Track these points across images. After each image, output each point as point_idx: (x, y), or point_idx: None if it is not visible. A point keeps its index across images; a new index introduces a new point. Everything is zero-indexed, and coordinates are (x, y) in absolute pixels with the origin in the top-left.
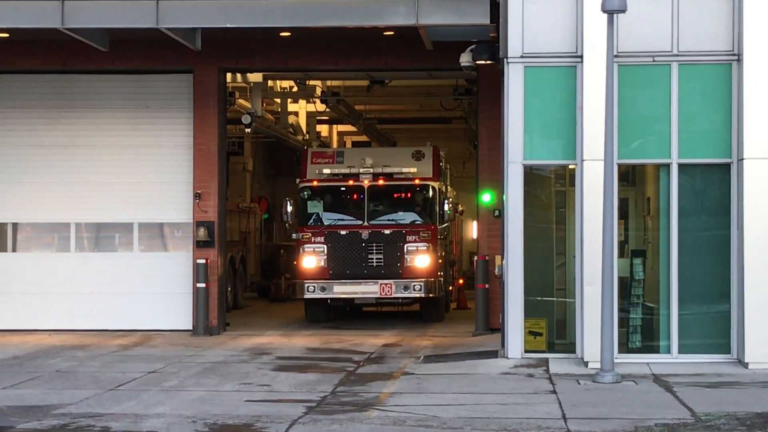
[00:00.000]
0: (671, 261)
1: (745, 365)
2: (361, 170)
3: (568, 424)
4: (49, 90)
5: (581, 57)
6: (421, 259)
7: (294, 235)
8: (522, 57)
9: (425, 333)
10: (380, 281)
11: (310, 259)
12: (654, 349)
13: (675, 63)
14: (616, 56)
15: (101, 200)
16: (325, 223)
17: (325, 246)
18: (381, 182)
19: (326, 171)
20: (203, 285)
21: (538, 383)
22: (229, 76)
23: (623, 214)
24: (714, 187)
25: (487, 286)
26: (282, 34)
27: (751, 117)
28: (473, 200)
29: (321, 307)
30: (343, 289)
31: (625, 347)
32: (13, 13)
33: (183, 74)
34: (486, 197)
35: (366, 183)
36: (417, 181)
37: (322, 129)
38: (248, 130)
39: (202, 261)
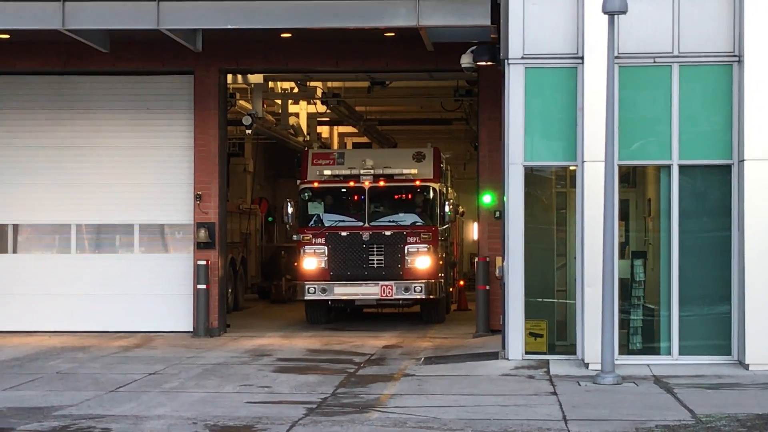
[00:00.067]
0: (672, 262)
1: (746, 367)
2: (362, 171)
3: (569, 426)
4: (49, 91)
5: (582, 58)
6: (421, 260)
7: (294, 237)
8: (523, 58)
9: (426, 334)
10: (381, 283)
11: (311, 261)
12: (654, 351)
13: (676, 64)
14: (616, 57)
15: (102, 201)
16: (326, 225)
17: (326, 247)
18: (382, 183)
19: (327, 172)
20: (204, 286)
21: (538, 385)
22: (229, 77)
23: (624, 216)
24: (715, 188)
25: (487, 287)
26: (283, 35)
27: (752, 118)
28: (474, 201)
29: (321, 309)
30: (343, 291)
31: (625, 349)
32: (14, 15)
33: (183, 75)
34: (487, 198)
35: (367, 184)
36: (418, 183)
37: (323, 130)
38: (249, 131)
39: (203, 262)
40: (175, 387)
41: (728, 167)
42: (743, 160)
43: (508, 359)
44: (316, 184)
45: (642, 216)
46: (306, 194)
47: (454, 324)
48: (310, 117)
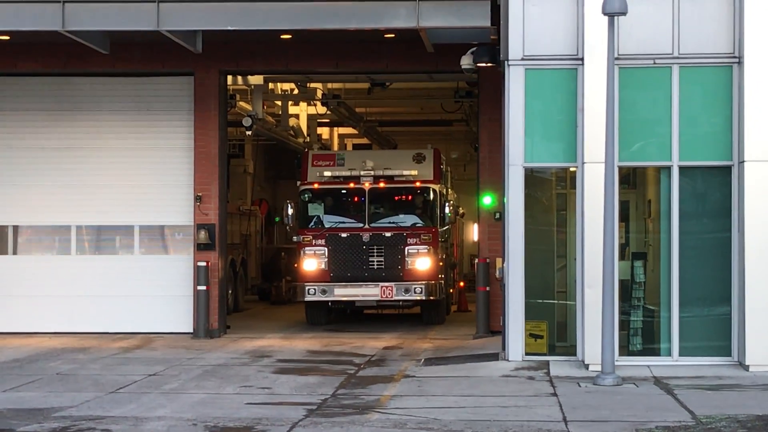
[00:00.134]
0: (672, 263)
1: (746, 368)
2: (362, 173)
3: (569, 427)
4: (49, 92)
5: (582, 59)
6: (421, 261)
7: (295, 238)
8: (523, 59)
9: (426, 336)
10: (381, 284)
11: (311, 262)
12: (655, 352)
13: (676, 65)
14: (616, 59)
15: (102, 203)
16: (326, 226)
17: (326, 248)
18: (382, 185)
19: (327, 173)
20: (204, 288)
21: (538, 386)
22: (229, 78)
23: (624, 217)
24: (715, 189)
25: (487, 288)
26: (283, 36)
27: (752, 119)
28: (474, 203)
29: (322, 310)
30: (343, 292)
31: (625, 350)
32: (14, 16)
33: (184, 77)
34: (487, 200)
35: (367, 185)
36: (418, 184)
37: (323, 131)
38: (249, 132)
39: (203, 264)
40: (176, 388)
41: (728, 168)
42: (743, 162)
43: (508, 360)
44: (316, 186)
45: (642, 217)
46: (306, 195)
47: (454, 325)
48: (310, 118)
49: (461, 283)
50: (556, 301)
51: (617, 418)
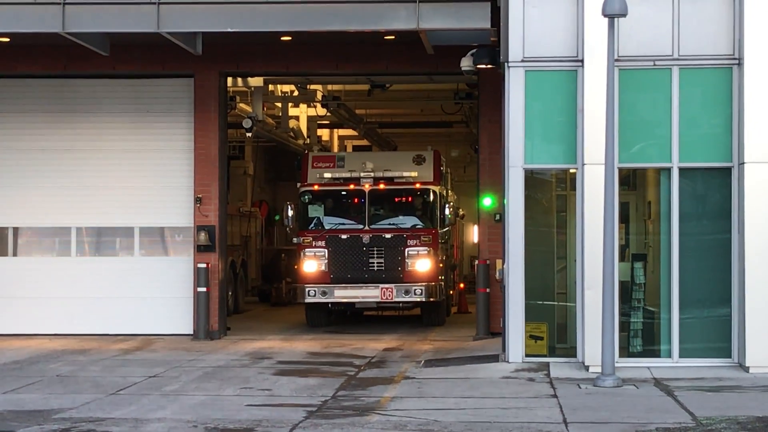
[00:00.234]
0: (672, 265)
1: (746, 369)
2: (362, 174)
3: (569, 428)
4: (49, 94)
5: (582, 61)
6: (422, 263)
7: (295, 239)
8: (523, 61)
9: (426, 337)
10: (381, 285)
11: (311, 264)
12: (655, 353)
13: (676, 67)
14: (616, 60)
15: (102, 204)
16: (326, 227)
17: (326, 250)
18: (382, 186)
19: (327, 175)
20: (204, 289)
21: (539, 387)
22: (229, 80)
23: (624, 218)
24: (715, 191)
25: (488, 290)
26: (283, 38)
27: (752, 121)
28: (474, 204)
29: (322, 312)
30: (344, 294)
31: (626, 351)
32: (14, 18)
33: (184, 78)
34: (487, 201)
35: (367, 187)
36: (418, 185)
37: (323, 133)
38: (249, 134)
39: (203, 265)
40: (176, 390)
41: (728, 170)
42: (743, 163)
43: (508, 362)
44: (316, 187)
45: (642, 219)
46: (306, 197)
47: (454, 327)
48: (310, 120)
49: (461, 285)
50: (556, 303)
51: (617, 419)
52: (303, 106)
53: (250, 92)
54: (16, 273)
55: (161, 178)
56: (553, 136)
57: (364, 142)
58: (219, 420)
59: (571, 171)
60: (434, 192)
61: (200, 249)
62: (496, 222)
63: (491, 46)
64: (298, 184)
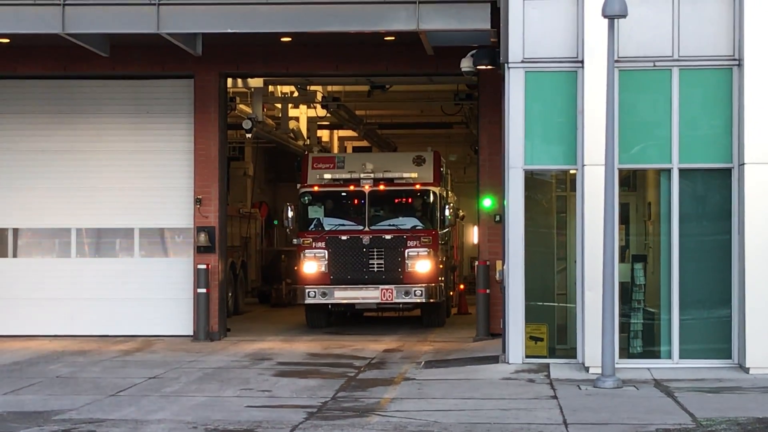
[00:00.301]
0: (672, 266)
1: (746, 370)
2: (362, 175)
3: (569, 430)
4: (49, 95)
5: (582, 62)
6: (422, 264)
7: (295, 241)
8: (523, 62)
9: (426, 338)
10: (381, 286)
11: (311, 265)
12: (655, 354)
13: (676, 68)
14: (616, 61)
15: (102, 206)
16: (326, 228)
17: (326, 251)
18: (382, 187)
19: (327, 176)
20: (204, 290)
21: (539, 388)
22: (229, 81)
23: (624, 219)
24: (715, 191)
25: (488, 291)
26: (283, 39)
27: (752, 122)
28: (474, 205)
29: (322, 313)
30: (344, 295)
31: (626, 352)
32: (14, 19)
33: (184, 79)
34: (487, 202)
35: (367, 188)
36: (418, 186)
37: (323, 134)
38: (249, 135)
39: (203, 266)
40: (176, 391)
41: (728, 171)
42: (743, 164)
43: (508, 363)
44: (316, 188)
45: (642, 219)
46: (306, 198)
47: (454, 328)
48: (310, 121)
49: (461, 286)
50: (556, 304)
51: (617, 420)
52: (303, 107)
53: (250, 93)
54: (16, 274)
55: (161, 179)
56: (553, 137)
57: (364, 143)
58: (219, 421)
59: (571, 172)
60: (434, 193)
61: (200, 250)
62: (496, 223)
63: (491, 47)
64: (298, 185)
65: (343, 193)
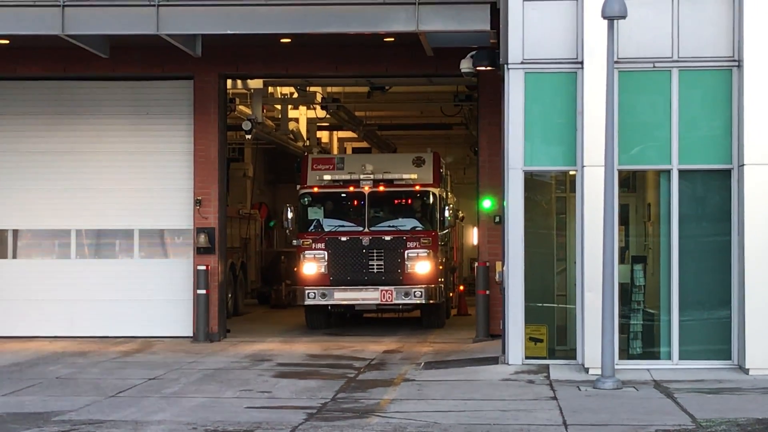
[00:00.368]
0: (672, 267)
1: (746, 371)
2: (362, 176)
3: (569, 431)
4: (49, 96)
5: (582, 63)
6: (421, 265)
7: (294, 242)
8: (522, 63)
9: (426, 339)
10: (381, 288)
11: (311, 266)
12: (655, 356)
13: (675, 69)
14: (616, 62)
15: (102, 207)
16: (326, 230)
17: (326, 252)
18: (381, 188)
19: (327, 177)
20: (204, 291)
21: (538, 389)
22: (229, 82)
23: (624, 220)
24: (714, 193)
25: (487, 292)
26: (282, 40)
27: (752, 123)
28: (474, 206)
29: (321, 314)
30: (343, 296)
31: (625, 353)
32: (14, 20)
33: (183, 80)
34: (486, 203)
35: (366, 189)
36: (417, 188)
37: (323, 135)
38: (248, 136)
39: (203, 267)
40: (175, 392)
41: (728, 172)
42: (743, 165)
43: (508, 364)
44: (315, 189)
45: (642, 220)
46: (306, 199)
47: (454, 329)
48: (310, 122)
49: (461, 287)
50: (555, 305)
51: (617, 421)
52: (302, 108)
53: (249, 94)
54: (16, 275)
55: (161, 180)
56: (553, 138)
57: (364, 144)
58: (219, 422)
59: (571, 173)
60: (434, 194)
61: (200, 251)
62: (495, 224)
63: (491, 48)
64: (298, 187)
65: (343, 194)
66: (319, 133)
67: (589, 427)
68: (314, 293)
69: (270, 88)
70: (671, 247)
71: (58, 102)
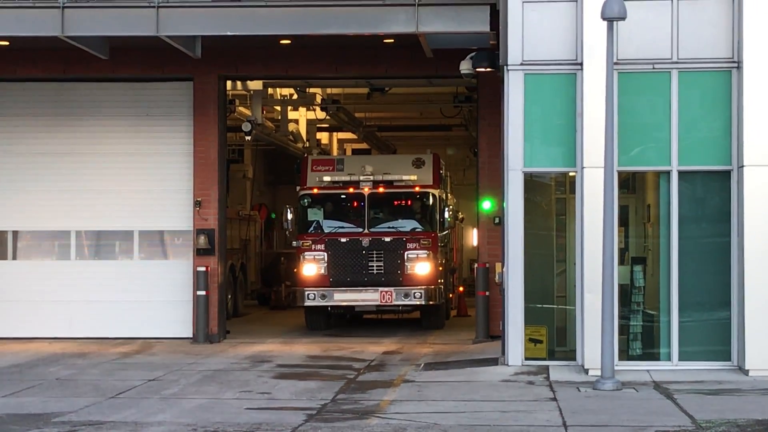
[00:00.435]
0: (671, 268)
1: (746, 372)
2: (362, 178)
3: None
4: (49, 98)
5: (581, 64)
6: (421, 266)
7: (294, 243)
8: (522, 64)
9: (425, 340)
10: (380, 289)
11: (311, 267)
12: (654, 357)
13: (675, 70)
14: (615, 63)
15: (101, 208)
16: (326, 231)
17: (326, 253)
18: (381, 190)
19: (326, 178)
20: (203, 293)
21: (538, 390)
22: (229, 83)
23: (623, 222)
24: (714, 194)
25: (487, 293)
26: (282, 41)
27: (751, 124)
28: (473, 207)
29: (321, 315)
30: (343, 297)
31: (625, 354)
32: (14, 21)
33: (183, 82)
34: (486, 204)
35: (366, 190)
36: (417, 189)
37: (323, 136)
38: (248, 137)
39: (203, 269)
40: (175, 393)
41: (728, 173)
42: (743, 166)
43: (507, 365)
44: (315, 191)
45: (641, 222)
46: (305, 200)
47: (453, 330)
48: (310, 123)
49: (461, 288)
50: (555, 306)
51: (617, 422)
52: (302, 110)
53: (249, 96)
54: (16, 276)
55: (161, 181)
56: (553, 140)
57: (364, 146)
58: (219, 423)
59: (571, 174)
60: (434, 195)
61: (200, 252)
62: (495, 225)
63: (490, 49)
64: (298, 188)
65: (343, 196)
66: (318, 135)
67: (589, 428)
68: (314, 294)
69: (270, 89)
70: (671, 248)
71: (57, 103)
